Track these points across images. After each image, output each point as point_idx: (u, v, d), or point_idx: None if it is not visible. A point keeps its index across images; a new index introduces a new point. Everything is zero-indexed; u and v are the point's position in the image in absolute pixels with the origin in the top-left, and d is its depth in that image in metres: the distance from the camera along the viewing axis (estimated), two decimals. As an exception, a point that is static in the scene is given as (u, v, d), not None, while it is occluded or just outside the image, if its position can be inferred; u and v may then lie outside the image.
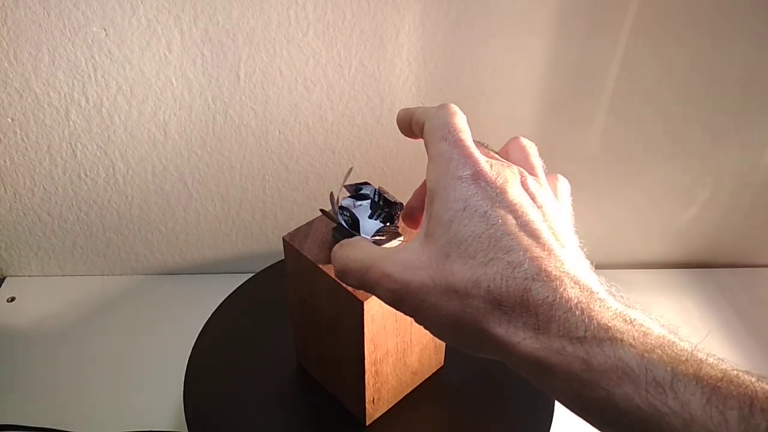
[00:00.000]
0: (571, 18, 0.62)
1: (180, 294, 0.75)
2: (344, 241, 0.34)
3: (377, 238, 0.42)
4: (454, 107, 0.34)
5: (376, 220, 0.43)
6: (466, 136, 0.33)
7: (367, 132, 0.68)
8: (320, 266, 0.46)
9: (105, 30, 0.60)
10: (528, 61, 0.65)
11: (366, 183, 0.44)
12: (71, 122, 0.65)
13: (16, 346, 0.69)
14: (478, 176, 0.31)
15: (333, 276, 0.45)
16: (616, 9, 0.62)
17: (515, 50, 0.64)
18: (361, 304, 0.44)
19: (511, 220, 0.29)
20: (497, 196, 0.30)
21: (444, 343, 0.55)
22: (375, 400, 0.52)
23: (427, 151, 0.33)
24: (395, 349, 0.50)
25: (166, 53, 0.62)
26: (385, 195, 0.43)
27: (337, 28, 0.61)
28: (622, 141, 0.71)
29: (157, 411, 0.62)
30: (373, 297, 0.44)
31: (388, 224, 0.43)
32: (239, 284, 0.65)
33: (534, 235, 0.29)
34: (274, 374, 0.58)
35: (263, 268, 0.67)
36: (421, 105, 0.66)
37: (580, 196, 0.79)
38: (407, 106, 0.67)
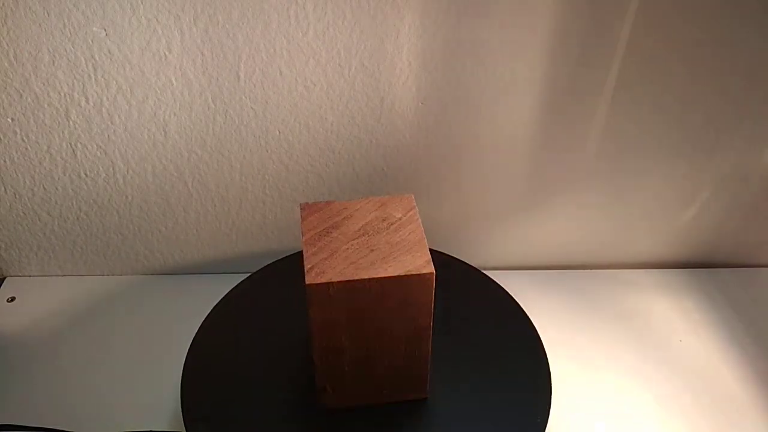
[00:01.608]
0: (572, 18, 0.62)
1: (180, 294, 0.75)
2: None
3: None
4: None
5: None
6: None
7: (367, 132, 0.68)
8: (304, 238, 0.48)
9: (105, 30, 0.60)
10: (528, 61, 0.64)
11: None
12: (71, 122, 0.65)
13: (16, 346, 0.69)
14: None
15: (305, 252, 0.47)
16: (617, 8, 0.62)
17: (515, 50, 0.64)
18: (305, 286, 0.46)
19: None
20: None
21: (427, 374, 0.54)
22: (330, 389, 0.53)
23: None
24: (353, 349, 0.50)
25: (166, 53, 0.62)
26: None
27: (337, 28, 0.61)
28: (623, 141, 0.71)
29: (156, 411, 0.62)
30: (323, 283, 0.45)
31: None
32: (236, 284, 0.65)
33: None
34: (271, 372, 0.58)
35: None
36: (421, 105, 0.66)
37: (581, 195, 0.79)
38: (407, 106, 0.67)
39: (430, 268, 0.47)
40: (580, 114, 0.69)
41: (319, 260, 0.47)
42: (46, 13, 0.59)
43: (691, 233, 0.79)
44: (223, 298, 0.64)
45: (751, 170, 0.74)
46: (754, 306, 0.76)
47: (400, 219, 0.50)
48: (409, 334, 0.50)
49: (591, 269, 0.80)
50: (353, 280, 0.46)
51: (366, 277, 0.46)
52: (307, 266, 0.46)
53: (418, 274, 0.46)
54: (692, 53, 0.65)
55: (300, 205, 0.51)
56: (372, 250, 0.48)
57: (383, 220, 0.50)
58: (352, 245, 0.48)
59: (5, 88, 0.63)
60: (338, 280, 0.46)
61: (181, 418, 0.54)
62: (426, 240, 0.49)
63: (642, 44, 0.64)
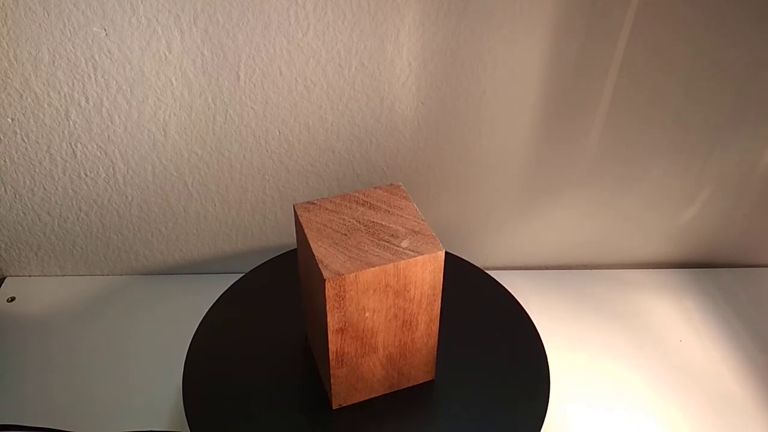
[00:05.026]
0: (571, 18, 0.62)
1: (180, 294, 0.75)
2: None
3: None
4: None
5: None
6: None
7: (367, 132, 0.68)
8: (354, 194, 0.53)
9: (105, 30, 0.60)
10: (528, 61, 0.65)
11: None
12: (71, 122, 0.65)
13: (16, 346, 0.69)
14: None
15: (335, 198, 0.52)
16: (616, 9, 0.62)
17: (515, 50, 0.64)
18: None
19: None
20: None
21: (330, 395, 0.53)
22: (305, 318, 0.58)
23: None
24: (308, 298, 0.53)
25: (166, 53, 0.62)
26: None
27: (337, 28, 0.61)
28: (623, 141, 0.71)
29: (157, 410, 0.62)
30: (297, 215, 0.50)
31: None
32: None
33: None
34: (271, 370, 0.58)
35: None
36: (421, 105, 0.66)
37: (581, 195, 0.79)
38: (407, 106, 0.67)
39: (328, 275, 0.45)
40: (581, 114, 0.69)
41: (323, 208, 0.51)
42: (46, 13, 0.59)
43: (691, 233, 0.79)
44: (221, 296, 0.64)
45: (751, 170, 0.74)
46: (755, 306, 0.76)
47: (399, 248, 0.48)
48: (325, 335, 0.49)
49: (591, 269, 0.80)
50: (303, 232, 0.49)
51: (308, 238, 0.48)
52: (315, 202, 0.52)
53: (320, 269, 0.46)
54: (692, 53, 0.65)
55: (398, 184, 0.55)
56: (345, 235, 0.49)
57: (393, 236, 0.49)
58: (350, 222, 0.50)
59: (5, 88, 0.63)
60: (302, 224, 0.50)
61: (181, 418, 0.54)
62: (378, 271, 0.47)
63: (641, 45, 0.64)
